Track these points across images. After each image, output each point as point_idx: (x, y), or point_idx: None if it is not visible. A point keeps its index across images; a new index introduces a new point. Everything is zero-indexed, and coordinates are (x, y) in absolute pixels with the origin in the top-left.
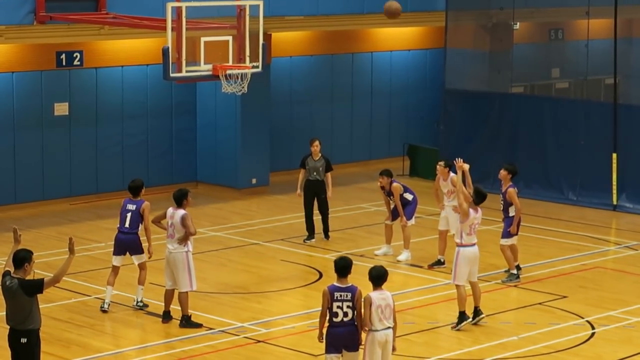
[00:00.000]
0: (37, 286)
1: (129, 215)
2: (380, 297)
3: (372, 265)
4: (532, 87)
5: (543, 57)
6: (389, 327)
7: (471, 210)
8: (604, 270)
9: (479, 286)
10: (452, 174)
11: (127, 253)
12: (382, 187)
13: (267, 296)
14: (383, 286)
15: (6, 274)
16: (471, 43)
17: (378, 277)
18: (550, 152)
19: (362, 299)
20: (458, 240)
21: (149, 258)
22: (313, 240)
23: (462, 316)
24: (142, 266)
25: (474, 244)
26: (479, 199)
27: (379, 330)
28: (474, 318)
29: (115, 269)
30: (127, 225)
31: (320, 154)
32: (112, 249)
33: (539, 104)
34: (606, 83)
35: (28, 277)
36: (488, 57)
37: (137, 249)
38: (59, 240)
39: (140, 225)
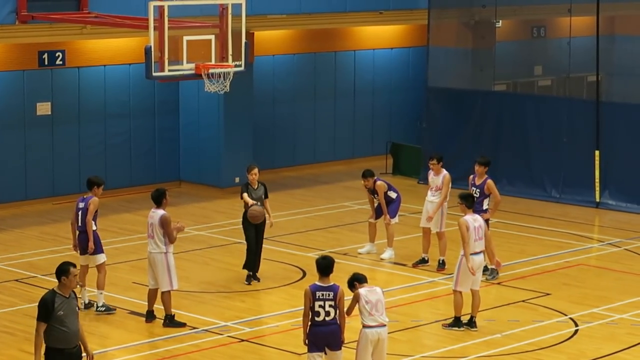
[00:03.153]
0: (41, 315)
1: (79, 213)
2: (370, 292)
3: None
4: (514, 84)
5: (526, 55)
6: (382, 325)
7: (468, 218)
8: (587, 267)
9: (480, 295)
10: (444, 170)
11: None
12: (367, 187)
13: (251, 295)
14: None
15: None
16: (454, 41)
17: (363, 277)
18: (533, 149)
19: (352, 296)
20: (461, 253)
21: (91, 253)
22: (257, 281)
23: (457, 322)
24: (99, 269)
25: (479, 252)
26: (468, 202)
27: (371, 327)
28: (468, 325)
29: (83, 268)
30: (79, 223)
31: (257, 182)
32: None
33: (522, 101)
34: (589, 80)
35: (70, 291)
36: (471, 55)
37: (87, 248)
38: (42, 240)
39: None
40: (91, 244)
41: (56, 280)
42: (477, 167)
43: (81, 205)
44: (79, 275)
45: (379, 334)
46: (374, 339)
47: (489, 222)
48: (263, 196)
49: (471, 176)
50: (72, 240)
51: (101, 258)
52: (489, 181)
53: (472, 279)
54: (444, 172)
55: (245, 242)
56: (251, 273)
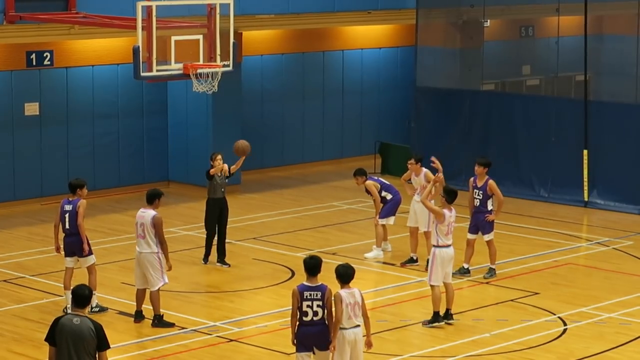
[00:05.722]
0: (104, 345)
1: (67, 216)
2: (349, 295)
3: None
4: (503, 84)
5: (514, 54)
6: (357, 325)
7: (445, 210)
8: (575, 266)
9: (453, 288)
10: (424, 169)
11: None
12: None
13: (240, 295)
14: (351, 284)
15: (67, 316)
16: (442, 41)
17: (345, 275)
18: (522, 149)
19: (332, 297)
20: (434, 242)
21: (85, 255)
22: (228, 266)
23: (436, 317)
24: (90, 270)
25: (449, 245)
26: (451, 197)
27: (347, 329)
28: (444, 318)
29: (69, 271)
30: (67, 226)
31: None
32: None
33: (510, 101)
34: (577, 80)
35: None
36: (459, 55)
37: (81, 251)
38: (30, 241)
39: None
40: (86, 246)
41: (43, 281)
42: (476, 168)
43: (68, 208)
44: (67, 278)
45: (355, 335)
46: (351, 339)
47: (494, 223)
48: (225, 180)
49: (471, 178)
50: (54, 243)
51: (92, 259)
52: (491, 182)
53: (445, 272)
54: (424, 170)
55: (205, 230)
56: (216, 260)
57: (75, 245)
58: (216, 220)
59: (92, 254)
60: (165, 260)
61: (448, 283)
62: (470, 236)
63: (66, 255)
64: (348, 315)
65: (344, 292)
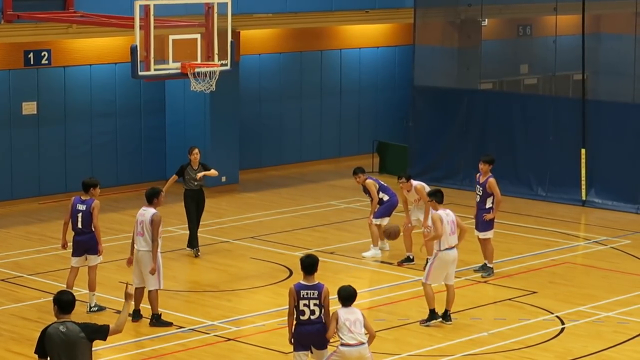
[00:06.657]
0: (104, 332)
1: (79, 215)
2: (348, 312)
3: (342, 284)
4: (500, 83)
5: (512, 53)
6: (362, 343)
7: (440, 212)
8: (573, 265)
9: (454, 289)
10: (414, 183)
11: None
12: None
13: (237, 294)
14: (350, 282)
15: (53, 325)
16: (440, 40)
17: (347, 297)
18: (519, 148)
19: (331, 317)
20: (436, 247)
21: (99, 254)
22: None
23: (432, 314)
24: (93, 269)
25: (453, 247)
26: (438, 197)
27: (351, 346)
28: (443, 318)
29: (74, 270)
30: (79, 225)
31: (198, 163)
32: (71, 250)
33: (508, 100)
34: (574, 79)
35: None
36: (457, 54)
37: (94, 249)
38: (28, 240)
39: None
40: (102, 247)
41: (41, 280)
42: (480, 165)
43: (81, 207)
44: (71, 278)
45: (359, 352)
46: (352, 357)
47: (493, 222)
48: (197, 174)
49: (477, 174)
50: (61, 240)
51: (100, 259)
52: (491, 180)
53: (446, 274)
54: (414, 184)
55: (187, 218)
56: (196, 249)
57: (86, 243)
58: (194, 209)
59: (100, 253)
60: (156, 260)
61: (450, 285)
62: (477, 233)
63: (74, 254)
64: (348, 329)
65: (341, 310)
